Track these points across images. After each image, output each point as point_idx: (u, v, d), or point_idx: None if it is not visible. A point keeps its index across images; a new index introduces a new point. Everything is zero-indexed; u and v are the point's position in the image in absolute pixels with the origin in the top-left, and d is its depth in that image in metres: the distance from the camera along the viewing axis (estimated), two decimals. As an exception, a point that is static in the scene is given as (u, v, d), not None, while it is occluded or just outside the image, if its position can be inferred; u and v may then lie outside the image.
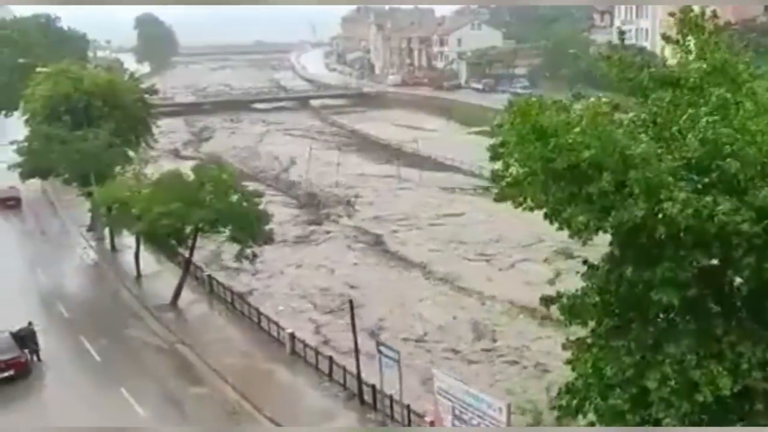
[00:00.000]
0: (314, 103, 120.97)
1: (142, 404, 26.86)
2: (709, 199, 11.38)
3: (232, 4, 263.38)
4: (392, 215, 55.20)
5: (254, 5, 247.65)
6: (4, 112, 76.81)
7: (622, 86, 13.86)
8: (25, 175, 49.60)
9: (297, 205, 59.79)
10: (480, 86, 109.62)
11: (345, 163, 73.31)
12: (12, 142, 50.14)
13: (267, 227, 35.94)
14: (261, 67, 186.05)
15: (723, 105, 12.01)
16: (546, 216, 13.35)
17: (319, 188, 64.32)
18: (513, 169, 13.34)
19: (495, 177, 13.81)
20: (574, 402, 13.84)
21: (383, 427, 25.33)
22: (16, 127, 59.11)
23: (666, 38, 14.53)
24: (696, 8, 14.11)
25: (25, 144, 48.57)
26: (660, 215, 11.52)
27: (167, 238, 36.33)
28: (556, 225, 13.29)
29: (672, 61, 14.18)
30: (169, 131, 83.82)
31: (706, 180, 11.75)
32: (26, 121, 52.31)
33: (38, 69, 53.02)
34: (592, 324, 14.17)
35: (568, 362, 14.20)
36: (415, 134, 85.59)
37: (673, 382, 12.63)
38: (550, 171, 12.58)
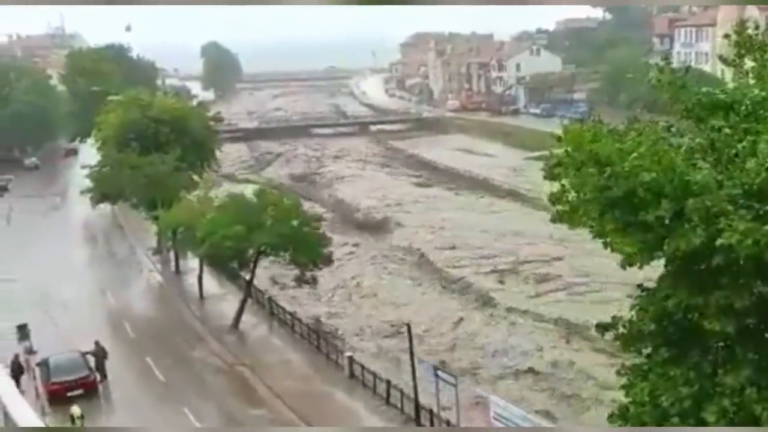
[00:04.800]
0: (373, 128, 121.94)
1: (204, 424, 27.45)
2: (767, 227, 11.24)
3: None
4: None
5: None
6: (78, 138, 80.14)
7: (676, 109, 13.75)
8: (96, 200, 51.16)
9: (354, 226, 60.45)
10: (538, 111, 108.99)
11: (401, 187, 73.65)
12: (83, 167, 52.08)
13: (326, 250, 36.55)
14: (324, 94, 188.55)
15: None
16: (602, 242, 13.32)
17: (374, 212, 65.02)
18: (570, 195, 13.32)
19: (552, 200, 13.82)
20: (627, 426, 13.70)
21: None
22: (89, 153, 61.46)
23: (723, 60, 14.35)
24: (750, 25, 13.88)
25: (97, 169, 50.43)
26: (718, 243, 11.41)
27: (229, 261, 37.16)
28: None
29: (731, 85, 13.95)
30: (232, 156, 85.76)
31: (767, 207, 11.60)
32: (98, 148, 54.22)
33: (110, 97, 55.15)
34: (646, 350, 14.01)
35: (622, 387, 14.05)
36: (472, 159, 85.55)
37: (733, 416, 12.34)
38: (606, 200, 12.57)
